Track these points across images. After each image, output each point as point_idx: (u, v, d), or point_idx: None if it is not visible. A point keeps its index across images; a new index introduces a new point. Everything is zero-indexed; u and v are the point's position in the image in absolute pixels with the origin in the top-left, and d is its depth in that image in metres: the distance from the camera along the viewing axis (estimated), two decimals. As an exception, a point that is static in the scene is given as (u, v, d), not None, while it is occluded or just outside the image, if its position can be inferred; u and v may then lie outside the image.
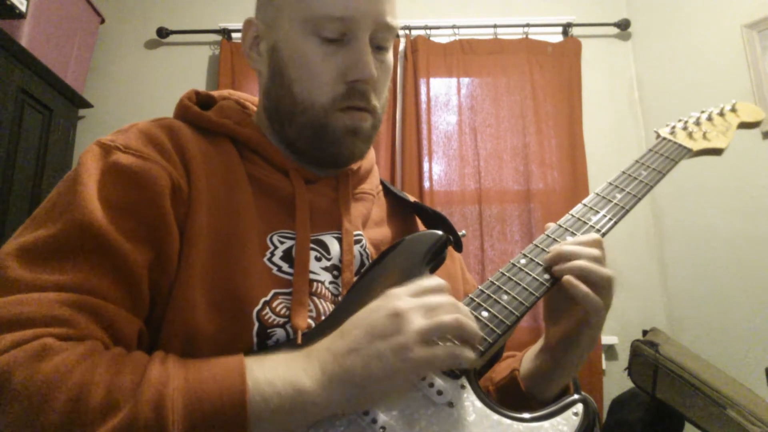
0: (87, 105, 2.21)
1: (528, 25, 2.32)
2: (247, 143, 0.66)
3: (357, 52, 0.61)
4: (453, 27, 2.34)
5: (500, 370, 0.70)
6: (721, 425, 1.35)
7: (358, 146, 0.66)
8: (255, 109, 0.75)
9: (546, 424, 0.48)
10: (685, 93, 2.11)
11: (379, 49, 0.65)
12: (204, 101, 0.72)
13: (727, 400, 1.37)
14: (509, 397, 0.65)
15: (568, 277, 0.58)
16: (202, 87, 2.35)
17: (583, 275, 0.58)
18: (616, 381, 2.02)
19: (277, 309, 0.56)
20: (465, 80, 2.31)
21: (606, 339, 2.07)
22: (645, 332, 1.77)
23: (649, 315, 2.11)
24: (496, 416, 0.48)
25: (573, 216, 0.66)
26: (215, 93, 0.74)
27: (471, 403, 0.49)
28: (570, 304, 0.60)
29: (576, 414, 0.48)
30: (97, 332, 0.48)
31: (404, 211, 0.78)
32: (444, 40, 2.33)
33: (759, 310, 1.78)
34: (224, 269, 0.56)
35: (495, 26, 2.33)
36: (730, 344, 1.85)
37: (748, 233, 1.84)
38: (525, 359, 0.68)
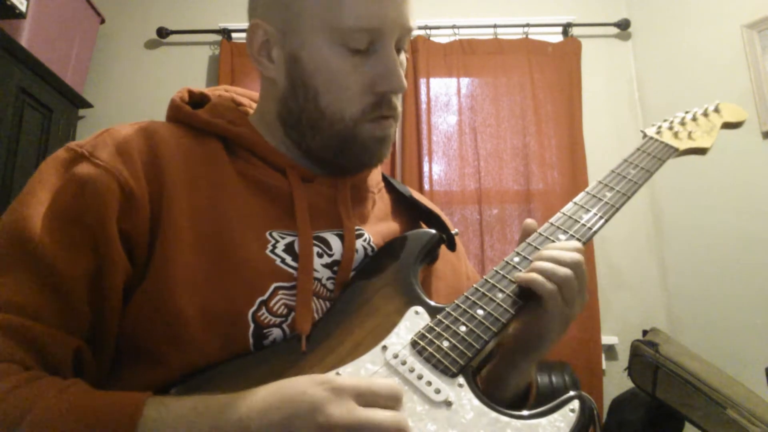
0: (87, 105, 2.21)
1: (528, 25, 2.32)
2: (241, 142, 0.64)
3: (386, 62, 0.60)
4: (453, 27, 2.34)
5: None
6: (721, 425, 1.35)
7: (384, 152, 0.65)
8: (252, 105, 0.73)
9: (543, 421, 0.48)
10: (685, 93, 2.11)
11: (398, 51, 0.63)
12: (198, 99, 0.70)
13: (727, 400, 1.37)
14: None
15: (532, 275, 0.57)
16: (201, 87, 2.35)
17: (548, 275, 0.56)
18: (616, 381, 2.02)
19: (275, 308, 0.56)
20: (465, 80, 2.31)
21: (606, 339, 2.07)
22: (645, 332, 1.78)
23: (649, 315, 2.11)
24: (493, 414, 0.48)
25: (564, 214, 0.66)
26: (210, 90, 0.72)
27: (468, 401, 0.49)
28: (534, 309, 0.58)
29: (573, 410, 0.48)
30: (19, 354, 0.47)
31: (408, 204, 0.77)
32: (444, 40, 2.33)
33: (759, 310, 1.78)
34: (214, 272, 0.55)
35: (495, 26, 2.33)
36: (730, 344, 1.84)
37: (748, 233, 1.84)
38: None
